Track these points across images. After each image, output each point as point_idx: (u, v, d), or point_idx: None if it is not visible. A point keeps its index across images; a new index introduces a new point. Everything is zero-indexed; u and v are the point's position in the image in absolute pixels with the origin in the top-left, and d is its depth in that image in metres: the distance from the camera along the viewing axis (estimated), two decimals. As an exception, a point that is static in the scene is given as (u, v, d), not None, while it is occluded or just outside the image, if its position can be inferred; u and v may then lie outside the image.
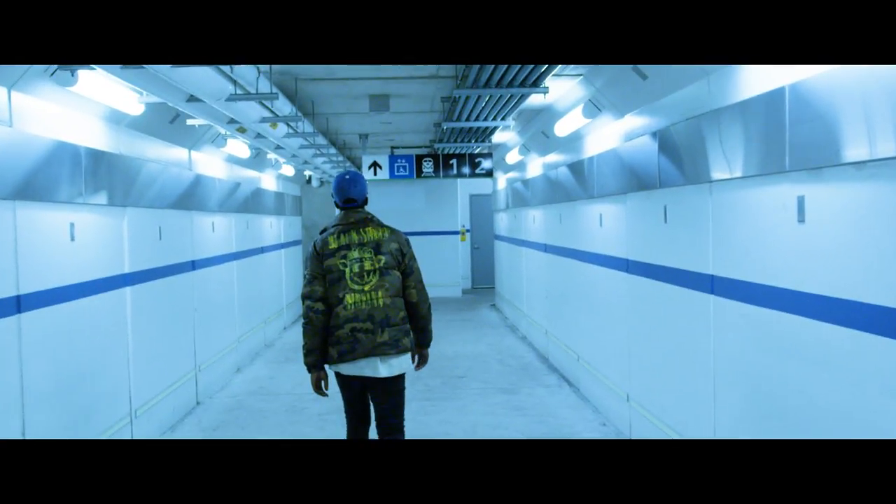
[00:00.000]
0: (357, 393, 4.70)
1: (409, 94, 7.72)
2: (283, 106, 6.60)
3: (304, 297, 4.55)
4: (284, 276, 14.31)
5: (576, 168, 8.24)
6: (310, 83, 7.01)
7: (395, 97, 7.86)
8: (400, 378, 4.65)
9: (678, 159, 5.33)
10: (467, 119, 7.68)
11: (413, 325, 4.68)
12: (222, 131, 7.97)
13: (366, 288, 4.43)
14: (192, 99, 5.43)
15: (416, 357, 4.86)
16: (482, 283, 19.71)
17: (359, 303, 4.42)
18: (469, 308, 16.27)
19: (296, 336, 12.96)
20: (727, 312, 4.64)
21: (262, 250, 12.20)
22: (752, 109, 4.12)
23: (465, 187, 19.34)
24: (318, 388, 4.67)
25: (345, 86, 7.20)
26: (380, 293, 4.44)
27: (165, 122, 7.15)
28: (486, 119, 7.70)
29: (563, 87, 7.34)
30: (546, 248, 10.49)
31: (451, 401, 8.19)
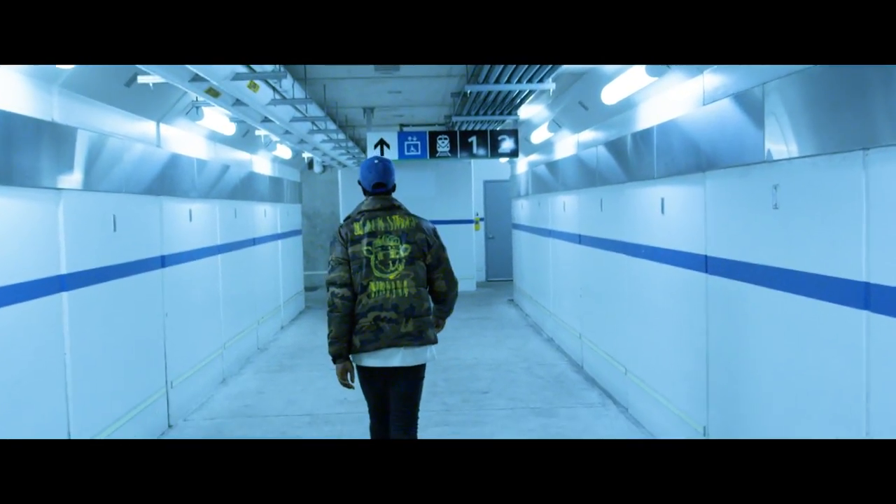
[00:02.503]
0: (380, 389, 4.55)
1: None
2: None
3: (329, 283, 4.42)
4: (282, 270, 12.88)
5: (628, 143, 6.76)
6: None
7: (407, 56, 6.39)
8: (420, 368, 4.53)
9: (795, 117, 3.87)
10: (496, 81, 6.21)
11: (438, 309, 4.63)
12: (193, 96, 6.52)
13: (391, 277, 4.35)
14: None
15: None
16: (498, 276, 18.30)
17: (383, 291, 4.34)
18: (485, 304, 14.83)
19: (293, 337, 11.53)
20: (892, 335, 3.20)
21: (254, 242, 10.76)
22: None
23: (479, 172, 17.89)
24: (344, 378, 4.50)
25: None
26: (405, 282, 4.36)
27: (119, 86, 5.70)
28: (519, 81, 6.22)
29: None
30: (581, 240, 9.02)
31: (474, 426, 6.74)
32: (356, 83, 7.72)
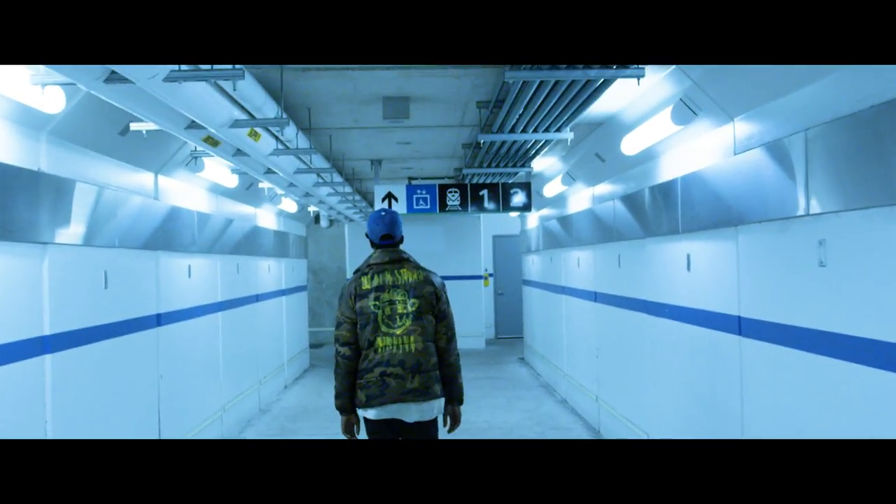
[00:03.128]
0: None
1: (436, 95, 5.90)
2: (266, 108, 4.82)
3: (335, 340, 4.44)
4: (286, 327, 12.50)
5: (648, 196, 6.42)
6: (301, 77, 5.22)
7: (418, 102, 6.06)
8: (430, 425, 4.43)
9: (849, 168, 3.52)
10: (511, 130, 5.90)
11: (442, 375, 4.45)
12: (191, 145, 6.22)
13: (398, 332, 4.29)
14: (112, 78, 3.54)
15: (448, 417, 4.55)
16: (507, 333, 17.87)
17: (390, 346, 4.28)
18: (495, 362, 14.39)
19: (297, 398, 11.09)
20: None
21: (257, 298, 10.40)
22: None
23: (488, 227, 17.58)
24: (349, 431, 4.52)
25: (350, 82, 5.41)
26: (412, 338, 4.30)
27: (113, 134, 5.40)
28: (535, 130, 5.91)
29: (642, 86, 5.56)
30: (596, 297, 8.64)
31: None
32: (363, 134, 7.44)
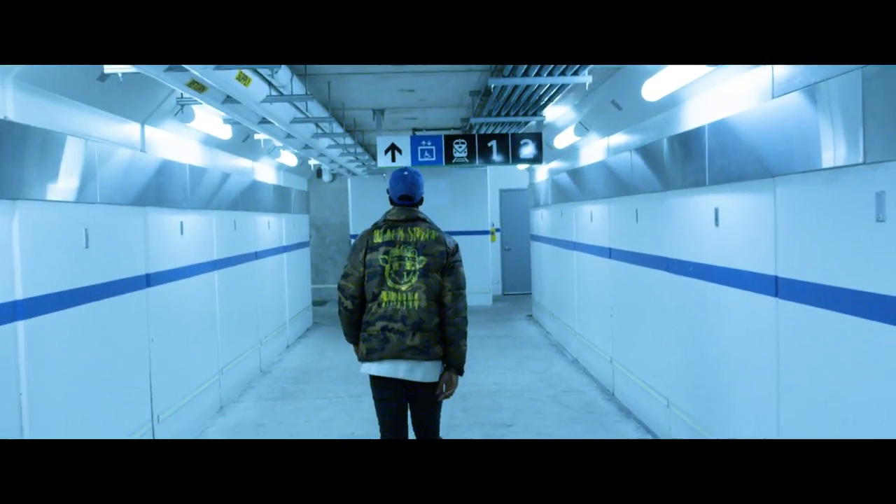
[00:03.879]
0: (392, 407, 4.42)
1: None
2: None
3: (338, 288, 4.46)
4: (288, 285, 12.12)
5: (670, 146, 5.97)
6: None
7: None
8: (433, 387, 4.41)
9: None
10: (525, 73, 5.42)
11: (442, 334, 4.37)
12: (177, 92, 5.76)
13: (403, 288, 4.30)
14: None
15: (442, 383, 4.41)
16: (514, 289, 17.50)
17: (394, 301, 4.30)
18: (503, 319, 14.03)
19: (299, 359, 10.74)
20: None
21: (256, 255, 10.00)
22: None
23: (494, 181, 17.11)
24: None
25: None
26: (416, 294, 4.29)
27: (91, 80, 4.95)
28: (550, 74, 5.43)
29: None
30: (611, 254, 8.22)
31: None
32: (364, 80, 6.95)
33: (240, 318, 9.07)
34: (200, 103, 5.88)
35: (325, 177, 16.95)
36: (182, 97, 5.86)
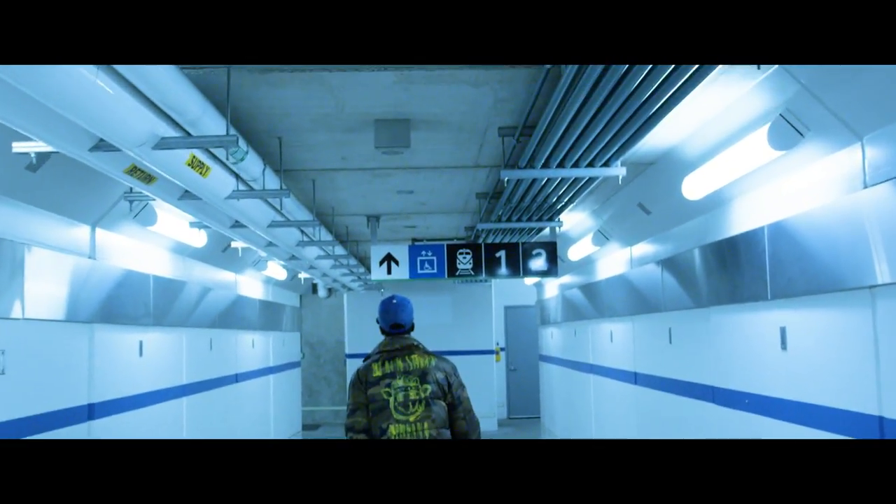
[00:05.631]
0: None
1: (446, 115, 4.46)
2: (206, 121, 3.42)
3: (347, 429, 4.28)
4: (273, 409, 11.02)
5: (713, 253, 5.05)
6: (260, 84, 3.81)
7: (421, 127, 4.64)
8: None
9: None
10: (545, 164, 4.52)
11: None
12: (126, 186, 4.85)
13: (411, 419, 4.18)
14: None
15: None
16: (521, 413, 16.29)
17: (403, 434, 4.17)
18: (510, 448, 12.81)
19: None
20: None
21: (236, 378, 8.97)
22: None
23: (499, 297, 16.15)
24: None
25: (329, 94, 3.99)
26: (426, 424, 4.17)
27: (20, 170, 4.06)
28: (576, 164, 4.51)
29: (720, 102, 4.22)
30: (637, 379, 7.19)
31: None
32: (354, 178, 6.04)
33: (213, 450, 7.96)
34: (154, 199, 4.96)
35: (321, 292, 16.04)
36: (132, 192, 4.94)
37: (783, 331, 4.23)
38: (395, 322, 4.39)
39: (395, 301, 4.47)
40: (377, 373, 4.26)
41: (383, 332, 4.44)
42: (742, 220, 4.72)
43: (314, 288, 16.21)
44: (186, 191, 4.49)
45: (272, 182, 4.76)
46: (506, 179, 4.98)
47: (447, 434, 4.24)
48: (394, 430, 4.18)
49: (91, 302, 5.11)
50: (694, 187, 4.85)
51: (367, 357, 4.40)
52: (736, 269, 4.75)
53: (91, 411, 5.17)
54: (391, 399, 4.22)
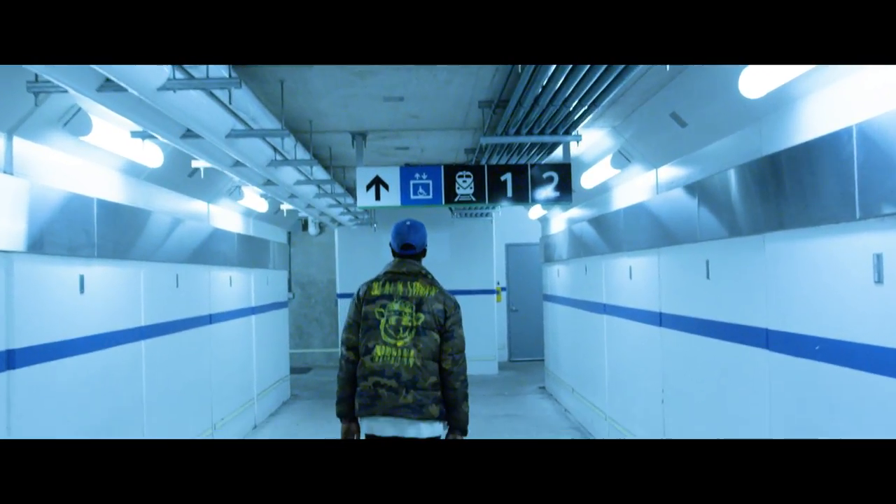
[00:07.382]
0: None
1: None
2: None
3: (341, 343, 4.44)
4: (256, 353, 10.14)
5: (788, 161, 4.08)
6: None
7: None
8: None
9: None
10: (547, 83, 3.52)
11: (444, 398, 4.25)
12: (30, 74, 3.83)
13: (398, 343, 4.21)
14: None
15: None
16: (523, 356, 15.53)
17: (387, 357, 4.21)
18: (512, 393, 12.01)
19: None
20: None
21: (210, 319, 8.05)
22: None
23: (500, 234, 15.22)
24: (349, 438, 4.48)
25: None
26: (411, 352, 4.20)
27: None
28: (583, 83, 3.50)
29: None
30: (662, 320, 6.28)
31: None
32: (331, 78, 4.99)
33: (181, 397, 7.08)
34: (65, 90, 3.88)
35: (311, 229, 15.09)
36: (37, 80, 3.83)
37: (878, 258, 3.28)
38: (405, 242, 4.41)
39: (408, 223, 4.49)
40: (375, 291, 4.30)
41: (394, 253, 4.45)
42: (816, 121, 3.74)
43: (304, 224, 15.27)
44: (108, 79, 3.48)
45: (247, 97, 3.74)
46: (521, 72, 3.96)
47: (432, 366, 4.21)
48: (379, 351, 4.19)
49: (5, 226, 4.15)
50: (753, 82, 3.84)
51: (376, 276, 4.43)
52: (807, 185, 3.79)
53: (10, 359, 4.24)
54: (383, 320, 4.24)
